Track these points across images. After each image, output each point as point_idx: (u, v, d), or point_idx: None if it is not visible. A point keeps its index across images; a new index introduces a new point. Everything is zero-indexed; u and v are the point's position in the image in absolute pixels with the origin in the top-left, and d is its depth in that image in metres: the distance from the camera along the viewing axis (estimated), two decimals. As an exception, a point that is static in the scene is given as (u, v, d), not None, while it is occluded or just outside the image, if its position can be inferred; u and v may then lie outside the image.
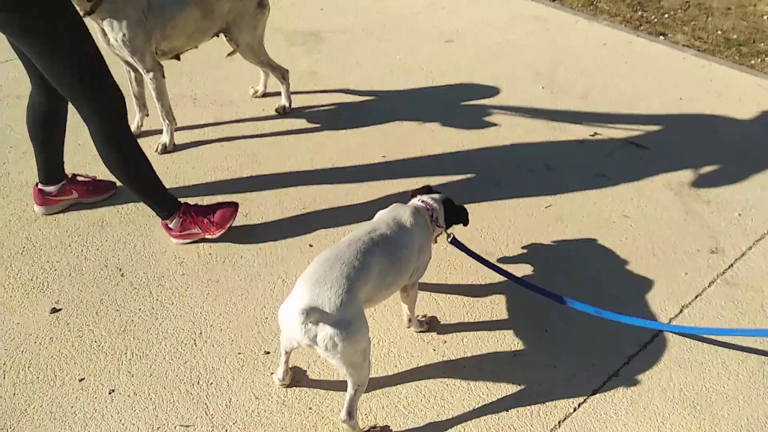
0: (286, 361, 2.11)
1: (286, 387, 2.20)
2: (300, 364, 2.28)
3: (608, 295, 2.56)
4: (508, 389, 2.20)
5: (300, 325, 1.78)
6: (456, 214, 2.38)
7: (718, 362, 2.29)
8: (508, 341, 2.37)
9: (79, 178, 3.00)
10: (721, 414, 2.13)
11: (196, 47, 3.36)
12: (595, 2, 5.23)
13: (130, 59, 3.09)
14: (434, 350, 2.34)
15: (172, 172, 3.20)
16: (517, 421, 2.10)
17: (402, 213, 2.16)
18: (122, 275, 2.63)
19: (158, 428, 2.07)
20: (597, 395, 2.19)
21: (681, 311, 2.50)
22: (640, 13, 5.08)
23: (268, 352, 2.32)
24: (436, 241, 2.40)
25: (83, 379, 2.22)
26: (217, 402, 2.15)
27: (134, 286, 2.58)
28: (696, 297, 2.55)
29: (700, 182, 3.19)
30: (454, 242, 2.34)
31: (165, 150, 3.34)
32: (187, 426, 2.08)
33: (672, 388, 2.21)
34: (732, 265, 2.70)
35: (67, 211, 2.94)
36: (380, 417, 2.11)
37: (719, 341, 2.37)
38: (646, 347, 2.35)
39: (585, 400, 2.17)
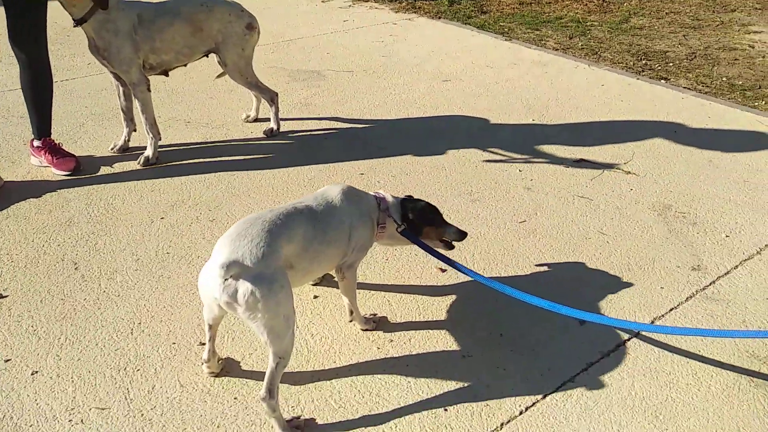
0: (212, 339, 2.00)
1: (215, 376, 2.07)
2: (234, 355, 2.16)
3: (575, 304, 2.38)
4: (451, 388, 2.03)
5: (220, 280, 1.69)
6: (419, 211, 2.21)
7: (688, 373, 2.08)
8: (459, 342, 2.21)
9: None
10: (686, 426, 1.90)
11: (185, 65, 3.45)
12: (599, 52, 5.25)
13: (117, 70, 3.18)
14: (378, 348, 2.19)
15: (150, 181, 3.21)
16: (456, 421, 1.91)
17: (330, 191, 2.10)
18: (76, 268, 2.59)
19: (73, 409, 1.96)
20: (547, 399, 1.99)
21: (652, 322, 2.30)
22: (644, 62, 5.07)
23: (204, 344, 2.20)
24: (382, 231, 2.24)
25: (9, 360, 2.14)
26: (139, 388, 2.03)
27: (85, 279, 2.53)
28: (671, 310, 2.36)
29: (687, 205, 3.03)
30: (404, 233, 2.23)
31: (147, 163, 3.37)
32: (103, 409, 1.96)
33: (633, 396, 2.00)
34: (714, 282, 2.51)
35: (38, 211, 2.96)
36: (308, 410, 1.96)
37: (692, 353, 2.15)
38: (609, 355, 2.16)
39: (534, 404, 1.97)
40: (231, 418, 1.93)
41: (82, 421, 1.92)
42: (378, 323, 2.28)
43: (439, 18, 6.14)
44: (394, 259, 2.62)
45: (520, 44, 5.36)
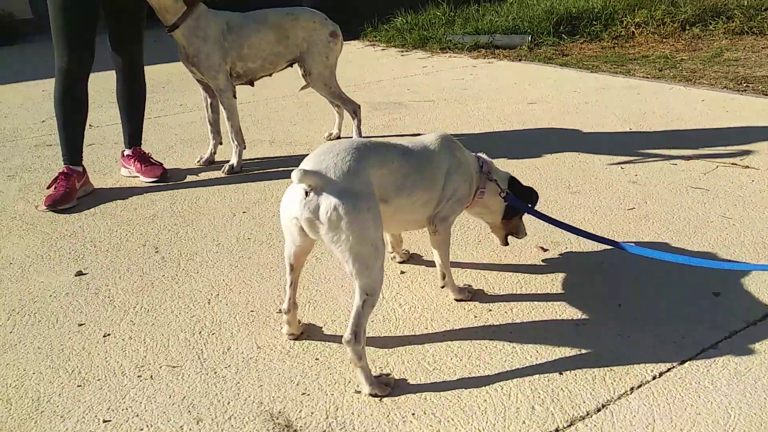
0: (293, 284, 1.80)
1: (295, 338, 1.87)
2: (316, 321, 1.96)
3: (711, 276, 2.06)
4: (565, 353, 1.73)
5: (301, 193, 1.54)
6: (524, 191, 2.11)
7: None
8: (569, 312, 1.92)
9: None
10: None
11: (270, 75, 3.48)
12: (693, 80, 4.98)
13: (205, 77, 3.23)
14: (475, 317, 1.93)
15: (234, 185, 3.17)
16: (574, 385, 1.61)
17: (427, 137, 1.96)
18: (157, 251, 2.51)
19: (143, 366, 1.80)
20: (686, 365, 1.66)
21: (805, 294, 1.93)
22: (745, 85, 4.74)
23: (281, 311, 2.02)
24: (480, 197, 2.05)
25: (83, 324, 2.03)
26: (213, 349, 1.86)
27: (165, 260, 2.44)
28: (826, 283, 1.98)
29: (824, 193, 2.66)
30: (508, 197, 2.03)
31: (232, 171, 3.34)
32: (174, 366, 1.79)
33: (795, 364, 1.63)
34: None
35: (124, 209, 2.94)
36: (398, 371, 1.71)
37: None
38: (756, 324, 1.80)
39: (669, 369, 1.64)
40: (312, 377, 1.71)
41: (151, 377, 1.75)
42: (473, 294, 2.03)
43: (520, 60, 6.08)
44: (487, 241, 2.39)
45: (607, 75, 5.18)
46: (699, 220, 2.48)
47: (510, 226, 2.14)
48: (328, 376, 1.70)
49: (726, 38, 6.57)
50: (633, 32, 6.84)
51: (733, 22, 6.87)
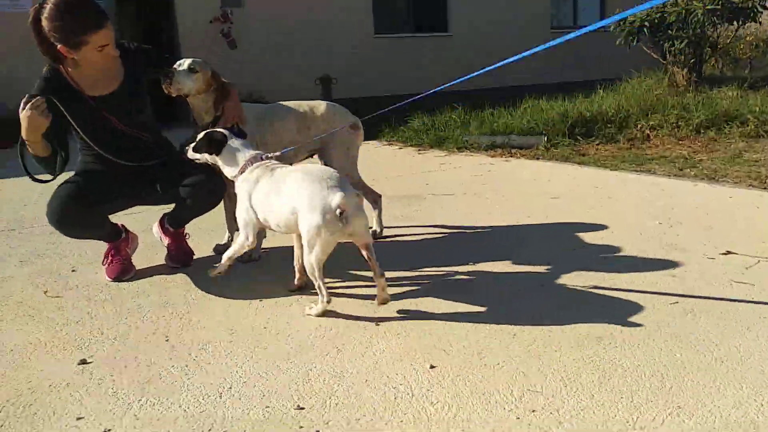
0: None
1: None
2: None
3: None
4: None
5: None
6: None
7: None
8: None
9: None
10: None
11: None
12: (716, 178, 4.93)
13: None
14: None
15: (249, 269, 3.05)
16: None
17: None
18: (167, 340, 2.36)
19: (145, 467, 1.60)
20: None
21: None
22: (769, 183, 4.68)
23: (302, 408, 1.84)
24: None
25: (81, 417, 1.85)
26: (225, 448, 1.66)
27: (176, 349, 2.28)
28: None
29: None
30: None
31: (250, 259, 3.23)
32: (180, 467, 1.59)
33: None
34: None
35: (135, 296, 2.81)
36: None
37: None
38: None
39: None
40: (335, 483, 1.50)
41: (154, 479, 1.55)
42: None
43: (537, 159, 6.11)
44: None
45: (627, 172, 5.15)
46: (749, 315, 2.31)
47: None
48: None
49: (742, 141, 6.61)
50: (648, 135, 6.92)
51: (747, 126, 6.94)
